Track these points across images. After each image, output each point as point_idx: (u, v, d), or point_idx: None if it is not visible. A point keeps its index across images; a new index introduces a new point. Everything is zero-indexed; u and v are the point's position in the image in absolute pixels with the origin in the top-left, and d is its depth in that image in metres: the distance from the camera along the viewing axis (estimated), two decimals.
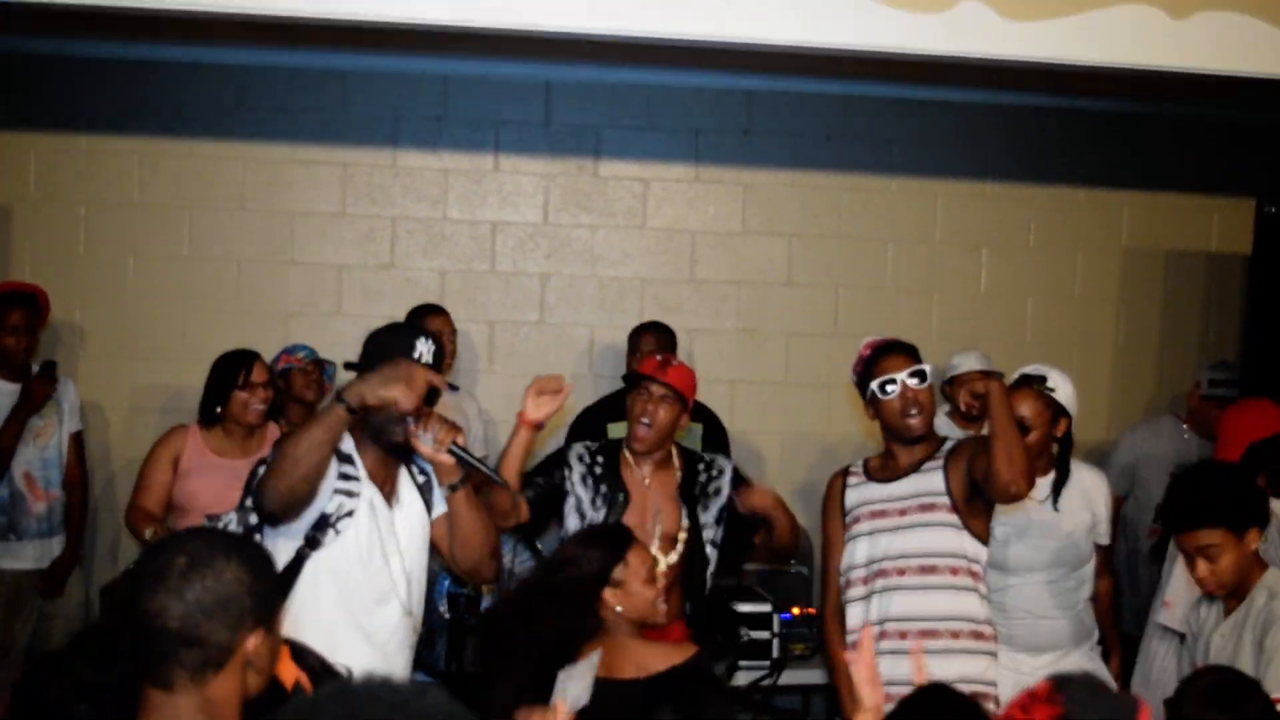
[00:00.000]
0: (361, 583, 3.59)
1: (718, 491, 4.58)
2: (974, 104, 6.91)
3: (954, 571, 4.10)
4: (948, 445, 4.22)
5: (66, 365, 6.22)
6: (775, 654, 5.37)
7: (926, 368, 4.16)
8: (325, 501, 3.50)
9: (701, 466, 4.62)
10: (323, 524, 3.51)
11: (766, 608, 5.41)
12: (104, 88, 6.50)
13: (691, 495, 4.54)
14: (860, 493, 4.28)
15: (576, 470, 4.55)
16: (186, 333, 6.48)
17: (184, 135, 6.55)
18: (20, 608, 5.71)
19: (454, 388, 6.23)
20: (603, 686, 3.33)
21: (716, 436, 6.21)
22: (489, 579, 4.01)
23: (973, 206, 7.01)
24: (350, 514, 3.55)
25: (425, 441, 3.53)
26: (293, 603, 3.26)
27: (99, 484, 6.43)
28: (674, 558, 4.44)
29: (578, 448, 4.62)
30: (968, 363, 5.82)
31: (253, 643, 2.21)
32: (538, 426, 4.27)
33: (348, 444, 3.61)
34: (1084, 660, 4.57)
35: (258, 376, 5.35)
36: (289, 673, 2.52)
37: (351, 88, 6.65)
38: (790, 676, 5.46)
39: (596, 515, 4.46)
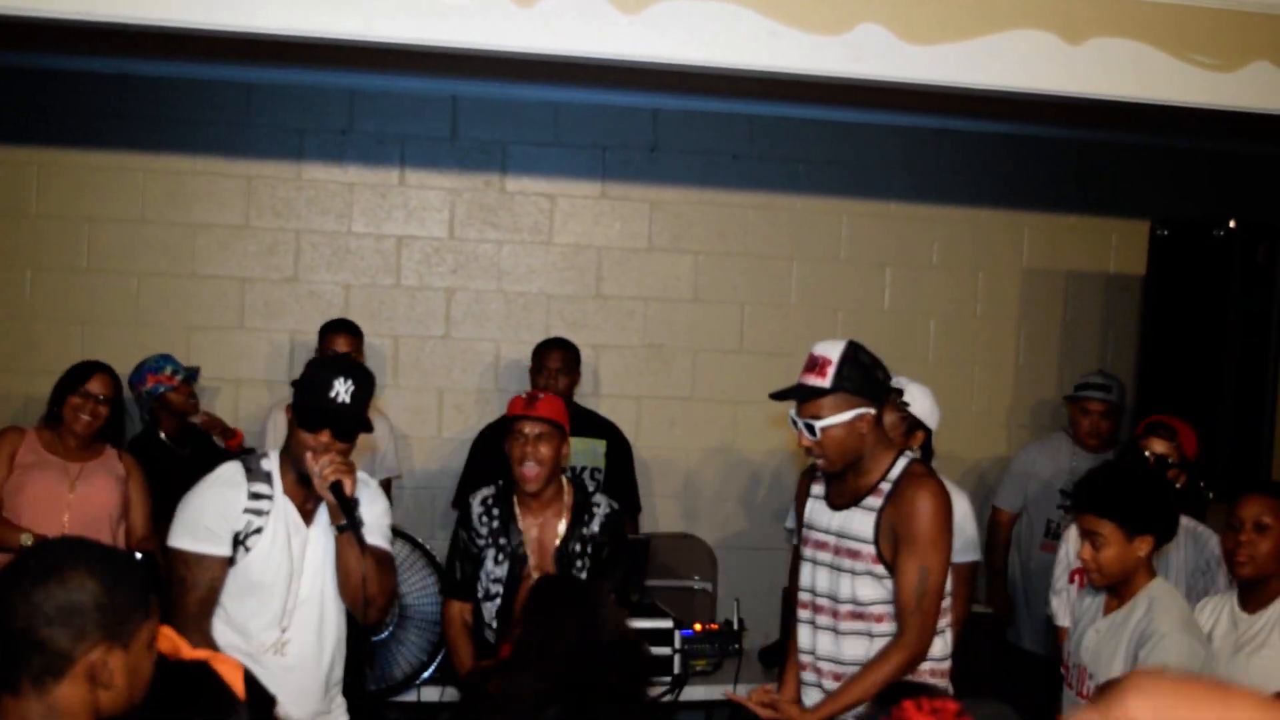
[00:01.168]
0: (263, 598, 3.78)
1: (590, 538, 4.61)
2: (879, 125, 6.99)
3: (879, 619, 3.92)
4: (897, 473, 3.91)
5: None
6: (677, 670, 5.37)
7: (817, 424, 3.82)
8: (236, 522, 3.73)
9: (587, 516, 4.64)
10: (235, 542, 3.75)
11: (668, 624, 5.40)
12: (1, 96, 6.39)
13: (568, 552, 4.57)
14: (813, 510, 4.11)
15: (481, 528, 4.59)
16: (85, 347, 6.36)
17: (83, 146, 6.46)
18: None
19: None
20: None
21: (620, 452, 6.23)
22: (367, 623, 4.06)
23: (877, 226, 7.09)
24: (258, 531, 3.76)
25: (314, 471, 3.72)
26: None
27: None
28: None
29: (475, 503, 4.64)
30: (915, 398, 5.82)
31: (97, 656, 2.18)
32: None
33: (270, 462, 3.86)
34: None
35: (95, 388, 5.30)
36: (238, 685, 2.50)
37: (256, 100, 6.59)
38: (691, 693, 5.47)
39: (500, 569, 4.52)
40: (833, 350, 3.85)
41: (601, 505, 4.68)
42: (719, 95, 6.67)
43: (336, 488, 3.71)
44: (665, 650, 5.33)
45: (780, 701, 3.93)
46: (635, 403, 6.87)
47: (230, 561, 3.74)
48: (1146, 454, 4.72)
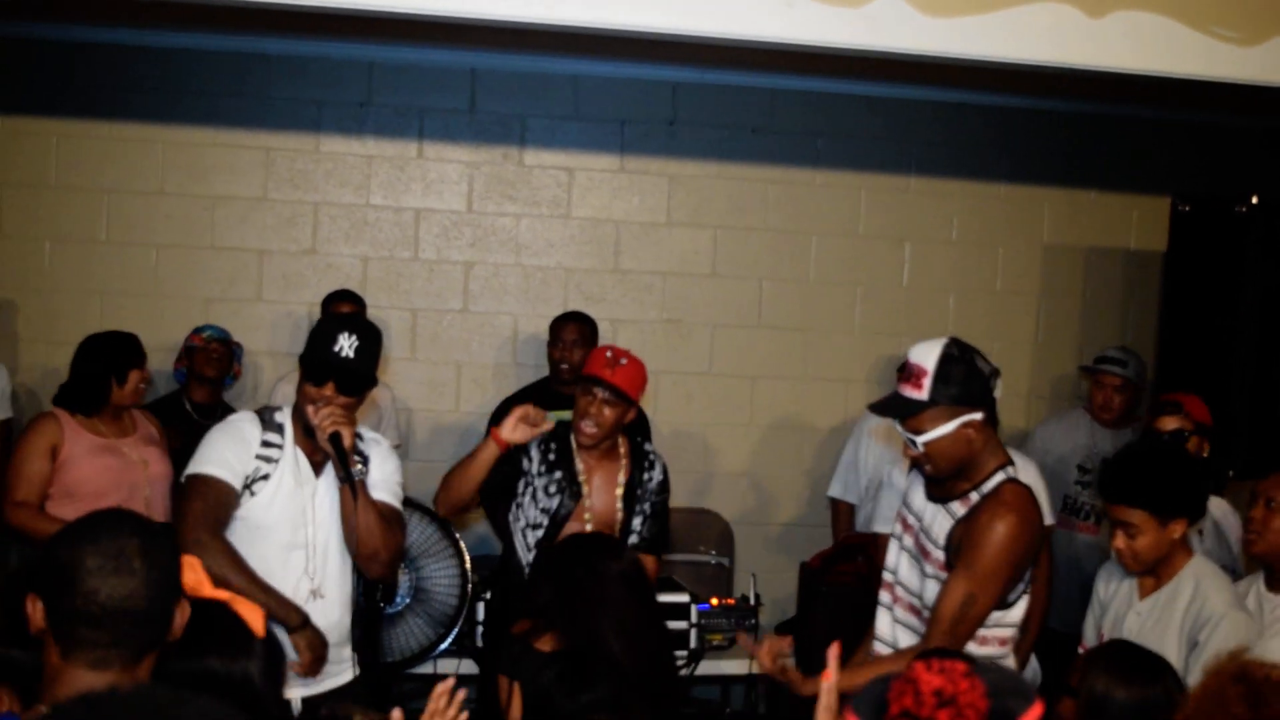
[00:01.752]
0: (269, 541, 3.87)
1: (648, 490, 4.68)
2: (898, 99, 6.95)
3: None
4: (989, 486, 3.69)
5: None
6: (693, 644, 5.39)
7: (919, 439, 3.65)
8: (247, 464, 3.86)
9: (646, 464, 4.70)
10: (243, 485, 3.86)
11: (684, 598, 5.42)
12: (22, 69, 6.40)
13: (633, 496, 4.62)
14: (913, 487, 3.93)
15: (535, 455, 4.61)
16: (104, 318, 6.39)
17: (103, 118, 6.47)
18: None
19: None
20: None
21: (638, 424, 6.22)
22: (375, 578, 4.11)
23: (896, 201, 7.06)
24: (265, 477, 3.87)
25: (315, 423, 3.81)
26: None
27: None
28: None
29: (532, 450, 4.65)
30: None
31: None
32: (507, 447, 4.46)
33: (283, 415, 3.98)
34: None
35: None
36: (258, 625, 2.52)
37: (275, 72, 6.59)
38: (708, 667, 5.49)
39: (550, 501, 4.54)
40: (928, 356, 3.63)
41: (656, 454, 4.77)
42: (738, 69, 6.65)
43: (335, 439, 3.78)
44: (681, 624, 5.35)
45: (789, 667, 3.90)
46: (653, 377, 6.78)
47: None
48: (1162, 434, 4.68)
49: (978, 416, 3.64)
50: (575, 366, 6.06)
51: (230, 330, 6.20)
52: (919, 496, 3.86)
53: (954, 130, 7.10)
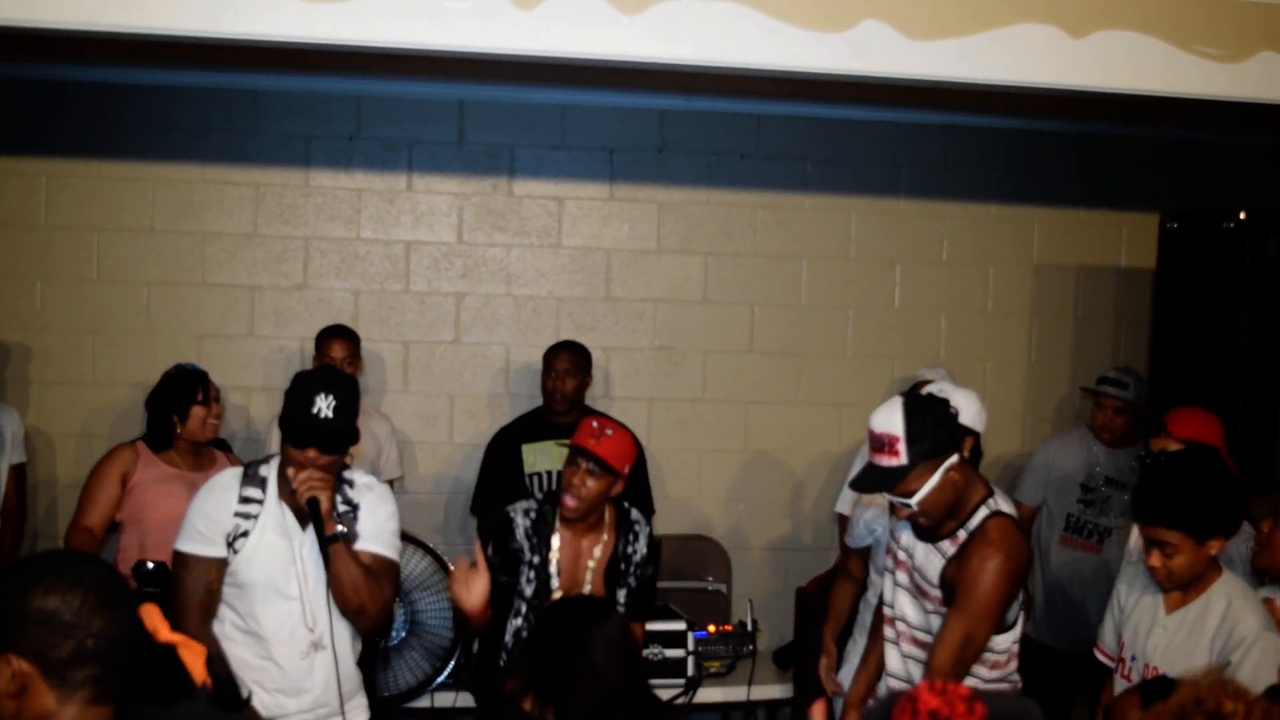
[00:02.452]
0: (256, 597, 3.89)
1: (632, 564, 4.48)
2: (886, 122, 6.97)
3: None
4: (978, 522, 3.80)
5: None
6: (690, 672, 5.38)
7: (912, 501, 3.71)
8: (226, 524, 3.88)
9: (631, 536, 4.50)
10: (227, 544, 3.88)
11: (681, 625, 5.41)
12: (10, 108, 6.41)
13: (616, 572, 4.45)
14: (898, 523, 4.02)
15: (523, 540, 4.41)
16: (96, 357, 6.40)
17: (91, 156, 6.47)
18: None
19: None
20: None
21: (634, 464, 6.20)
22: (366, 631, 4.12)
23: (886, 223, 7.07)
24: (245, 534, 3.87)
25: (294, 483, 3.82)
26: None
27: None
28: None
29: (519, 514, 4.44)
30: (962, 406, 5.86)
31: None
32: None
33: (268, 467, 3.97)
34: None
35: (213, 393, 5.39)
36: (198, 672, 2.51)
37: (263, 107, 6.60)
38: (705, 694, 5.47)
39: (529, 588, 4.36)
40: (893, 421, 3.69)
41: (642, 524, 4.55)
42: (725, 95, 6.66)
43: (313, 504, 3.79)
44: (679, 652, 5.35)
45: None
46: (647, 404, 6.86)
47: (223, 564, 3.88)
48: (1161, 455, 4.59)
49: (955, 459, 3.74)
50: (569, 395, 6.06)
51: (223, 366, 6.20)
52: (907, 533, 3.93)
53: (943, 152, 7.11)
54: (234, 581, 3.89)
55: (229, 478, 4.00)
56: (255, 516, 3.89)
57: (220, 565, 3.87)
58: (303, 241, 6.64)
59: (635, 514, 4.58)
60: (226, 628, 3.94)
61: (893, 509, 3.95)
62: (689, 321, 6.91)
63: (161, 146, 6.53)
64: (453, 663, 5.33)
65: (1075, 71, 4.48)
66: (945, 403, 3.81)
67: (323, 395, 3.81)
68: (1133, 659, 3.89)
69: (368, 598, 3.86)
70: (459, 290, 6.74)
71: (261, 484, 3.94)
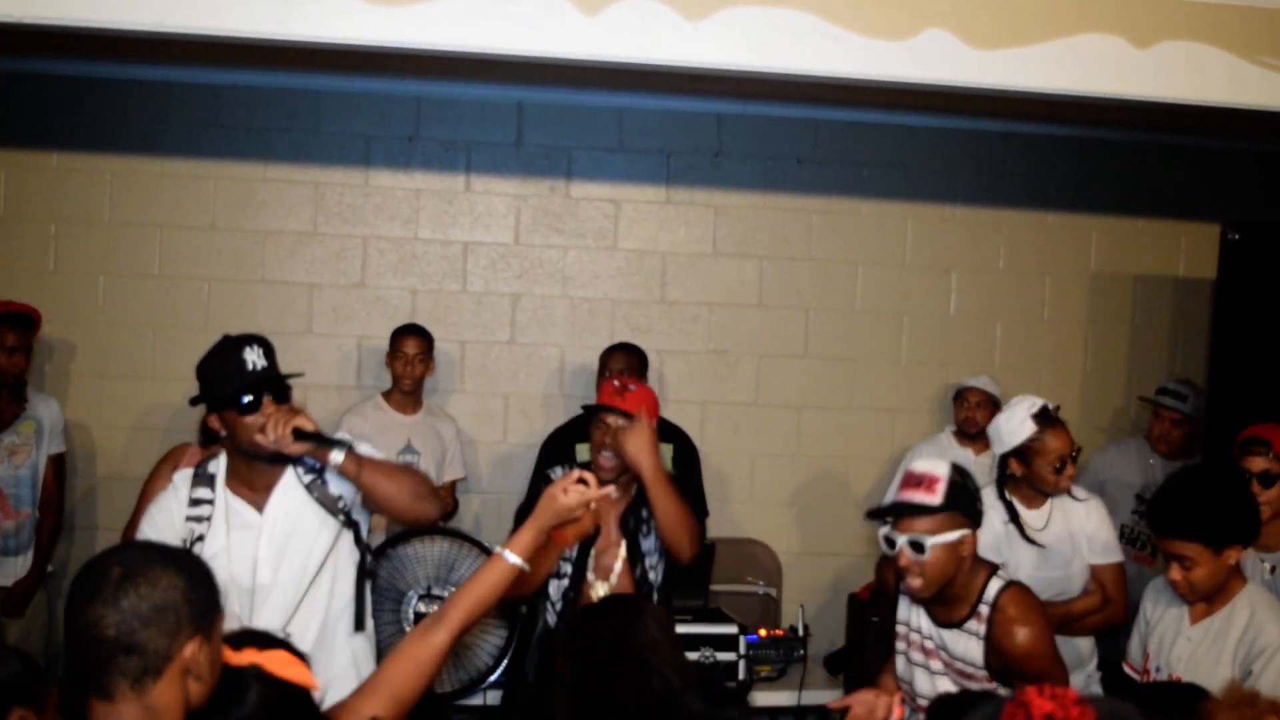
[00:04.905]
0: (230, 596, 3.57)
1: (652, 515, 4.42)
2: (943, 129, 6.95)
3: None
4: (992, 595, 3.74)
5: (45, 384, 6.26)
6: (741, 675, 5.37)
7: (926, 541, 3.63)
8: (180, 531, 3.62)
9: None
10: None
11: (733, 629, 5.40)
12: (75, 106, 6.50)
13: (628, 525, 4.43)
14: (909, 609, 3.94)
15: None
16: (156, 352, 6.48)
17: (155, 154, 6.55)
18: None
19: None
20: None
21: (688, 457, 6.23)
22: (433, 518, 3.98)
23: (942, 230, 7.05)
24: (201, 538, 3.64)
25: (271, 442, 3.58)
26: None
27: (74, 502, 6.43)
28: (604, 589, 4.38)
29: (556, 473, 4.45)
30: (977, 384, 5.99)
31: (190, 650, 2.21)
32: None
33: (217, 463, 3.73)
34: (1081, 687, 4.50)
35: None
36: (304, 676, 2.52)
37: (324, 107, 6.66)
38: (756, 699, 5.46)
39: (571, 550, 4.34)
40: (939, 468, 3.68)
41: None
42: (783, 100, 6.66)
43: (300, 433, 3.58)
44: (730, 656, 5.34)
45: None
46: (700, 408, 6.87)
47: None
48: (1248, 476, 4.53)
49: (973, 535, 3.70)
50: None
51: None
52: (923, 619, 3.86)
53: (999, 159, 7.09)
54: None
55: (179, 480, 3.76)
56: (208, 519, 3.68)
57: None
58: (361, 240, 6.69)
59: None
60: None
61: (894, 570, 3.83)
62: (743, 325, 6.91)
63: (224, 145, 6.60)
64: (506, 660, 5.35)
65: (1139, 82, 4.46)
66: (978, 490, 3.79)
67: (248, 349, 3.64)
68: (1157, 670, 3.87)
69: (410, 490, 3.70)
70: (515, 291, 6.77)
71: (210, 481, 3.72)
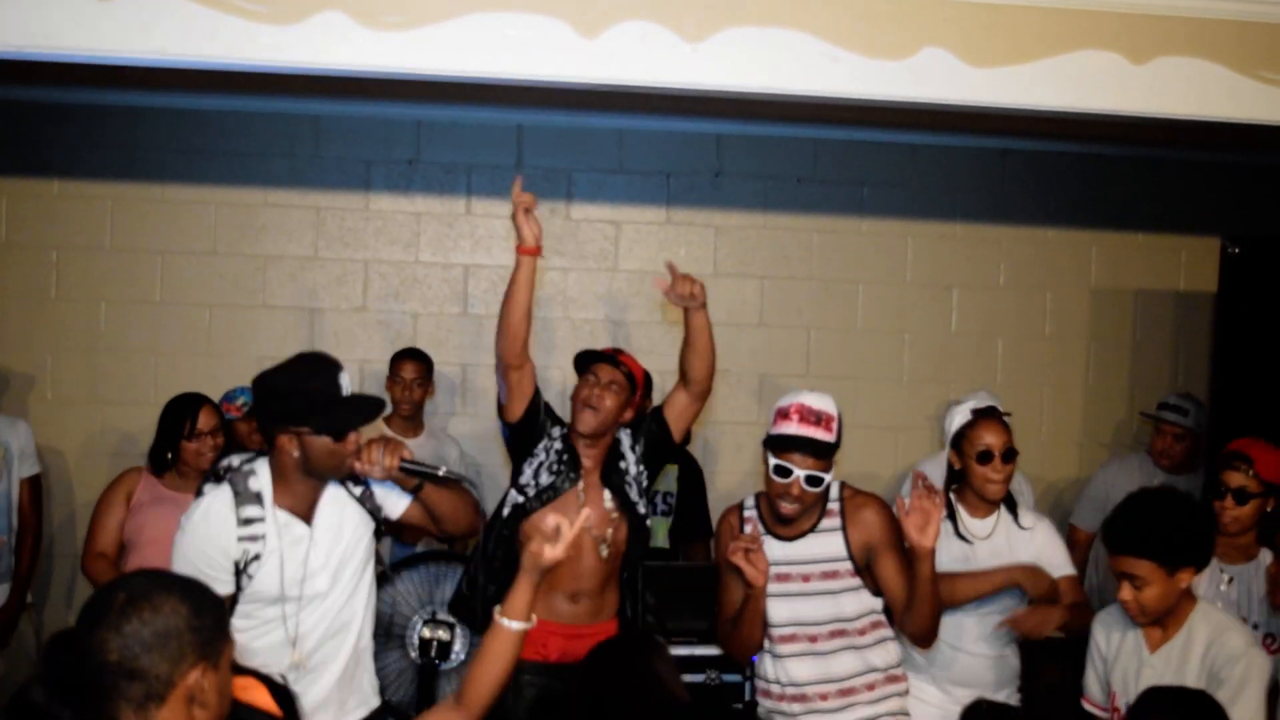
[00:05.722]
0: (272, 610, 3.67)
1: (624, 455, 4.62)
2: (943, 146, 6.97)
3: (861, 631, 4.16)
4: (836, 494, 4.21)
5: (21, 409, 6.25)
6: (748, 696, 5.35)
7: (826, 477, 4.07)
8: (233, 553, 3.60)
9: (615, 444, 4.63)
10: (237, 573, 3.61)
11: None
12: (75, 132, 6.52)
13: (612, 481, 4.56)
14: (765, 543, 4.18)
15: (555, 432, 4.57)
16: (158, 378, 6.48)
17: (156, 180, 6.57)
18: None
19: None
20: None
21: (692, 476, 6.22)
22: (479, 530, 4.06)
23: (943, 247, 7.06)
24: (258, 557, 3.63)
25: (377, 472, 3.65)
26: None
27: (55, 528, 6.42)
28: (605, 550, 4.50)
29: (556, 428, 4.61)
30: (971, 402, 5.91)
31: (194, 678, 2.22)
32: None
33: (259, 479, 3.68)
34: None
35: (204, 424, 5.26)
36: (264, 701, 2.53)
37: (325, 132, 6.68)
38: None
39: (543, 479, 4.47)
40: (828, 404, 4.15)
41: (624, 431, 4.67)
42: (782, 120, 6.68)
43: (408, 467, 3.68)
44: (735, 677, 5.32)
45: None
46: (703, 428, 6.88)
47: (237, 590, 3.60)
48: (1224, 489, 4.54)
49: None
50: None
51: None
52: (773, 549, 4.13)
53: (999, 176, 7.10)
54: (251, 602, 3.64)
55: (220, 505, 3.64)
56: (262, 537, 3.63)
57: (229, 600, 3.57)
58: (362, 264, 6.71)
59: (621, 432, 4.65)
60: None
61: (779, 496, 4.08)
62: (745, 345, 6.92)
63: (224, 171, 6.62)
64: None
65: (1136, 98, 4.46)
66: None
67: (342, 374, 3.65)
68: (1126, 705, 3.76)
69: (467, 498, 3.92)
70: None
71: (256, 499, 3.64)
